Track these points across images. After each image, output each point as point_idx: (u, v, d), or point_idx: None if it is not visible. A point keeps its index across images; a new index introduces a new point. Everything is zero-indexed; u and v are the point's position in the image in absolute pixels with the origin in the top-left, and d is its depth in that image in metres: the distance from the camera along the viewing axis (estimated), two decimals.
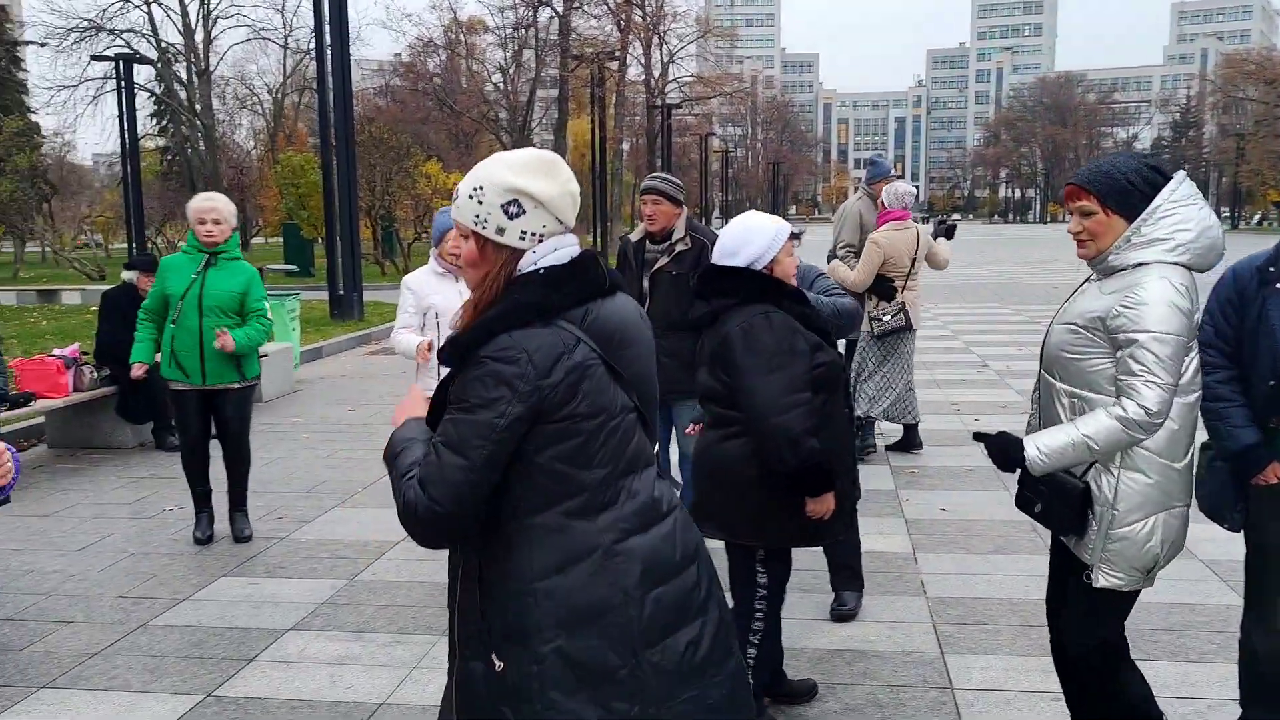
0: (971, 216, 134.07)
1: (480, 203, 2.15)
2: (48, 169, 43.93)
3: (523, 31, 43.35)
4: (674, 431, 6.04)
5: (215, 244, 5.84)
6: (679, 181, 6.01)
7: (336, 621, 5.00)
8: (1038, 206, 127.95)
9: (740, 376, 3.44)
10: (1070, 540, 3.04)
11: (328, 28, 16.43)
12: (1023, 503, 3.08)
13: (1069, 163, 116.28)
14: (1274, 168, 70.35)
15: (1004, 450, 3.02)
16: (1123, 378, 2.85)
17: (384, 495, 7.19)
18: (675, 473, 6.30)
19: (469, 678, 2.18)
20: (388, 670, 4.45)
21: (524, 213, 2.14)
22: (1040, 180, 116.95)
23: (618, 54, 39.22)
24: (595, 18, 40.43)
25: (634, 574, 2.14)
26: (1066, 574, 3.14)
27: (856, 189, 8.40)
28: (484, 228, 2.16)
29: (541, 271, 2.14)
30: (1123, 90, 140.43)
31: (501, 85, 46.88)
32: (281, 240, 35.59)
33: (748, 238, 3.56)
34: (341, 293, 16.74)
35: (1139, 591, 3.05)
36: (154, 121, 49.38)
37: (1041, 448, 2.91)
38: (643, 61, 48.35)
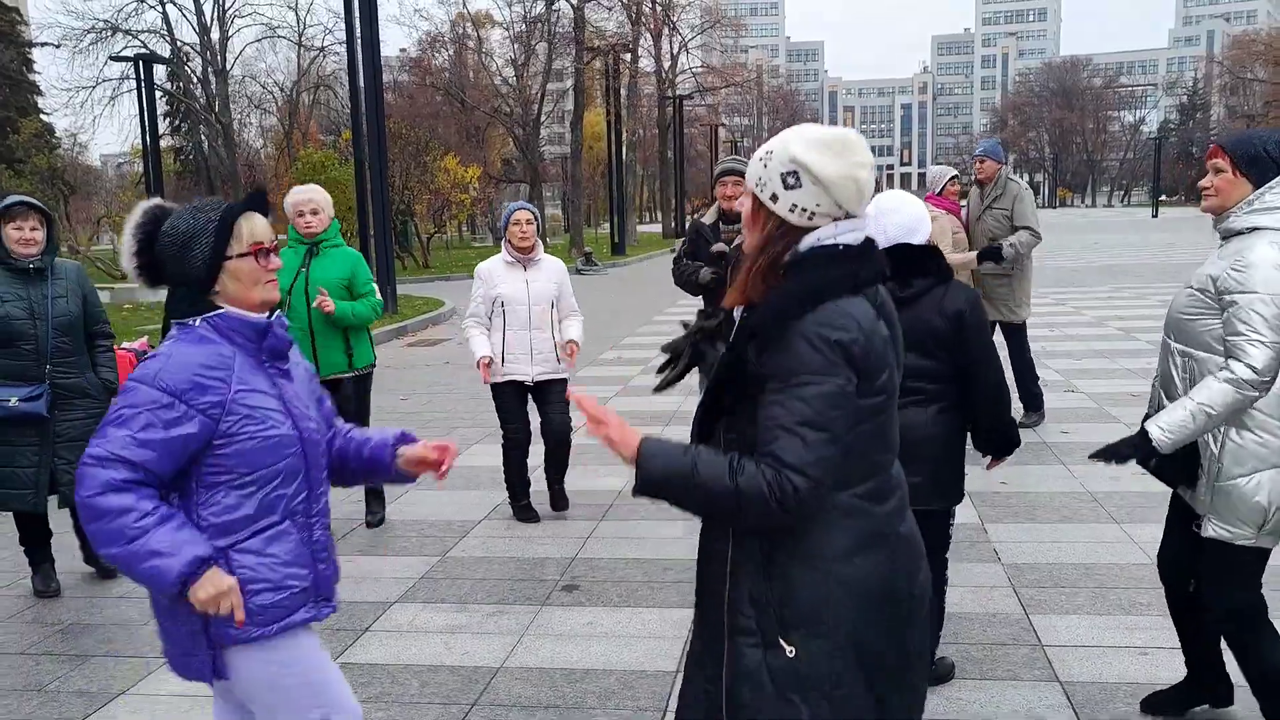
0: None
1: (765, 166, 2.13)
2: (64, 169, 44.26)
3: (535, 24, 43.52)
4: None
5: (315, 234, 5.97)
6: None
7: (439, 594, 5.23)
8: (1046, 190, 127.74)
9: (978, 350, 3.75)
10: (1186, 493, 3.24)
11: (358, 21, 16.63)
12: (1141, 459, 3.21)
13: (1076, 147, 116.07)
14: None
15: (1130, 451, 3.16)
16: (1230, 338, 3.03)
17: (455, 478, 7.42)
18: None
19: (747, 666, 2.13)
20: (498, 638, 4.67)
21: (799, 186, 2.09)
22: (1049, 164, 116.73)
23: (630, 46, 39.34)
24: (608, 9, 40.54)
25: (910, 561, 2.18)
26: (1184, 529, 3.35)
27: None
28: (760, 191, 2.15)
29: (841, 248, 2.11)
30: (1129, 74, 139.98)
31: (512, 79, 47.05)
32: None
33: (920, 215, 3.76)
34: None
35: (1268, 552, 3.21)
36: (167, 122, 49.71)
37: (1164, 426, 3.08)
38: (653, 53, 48.44)
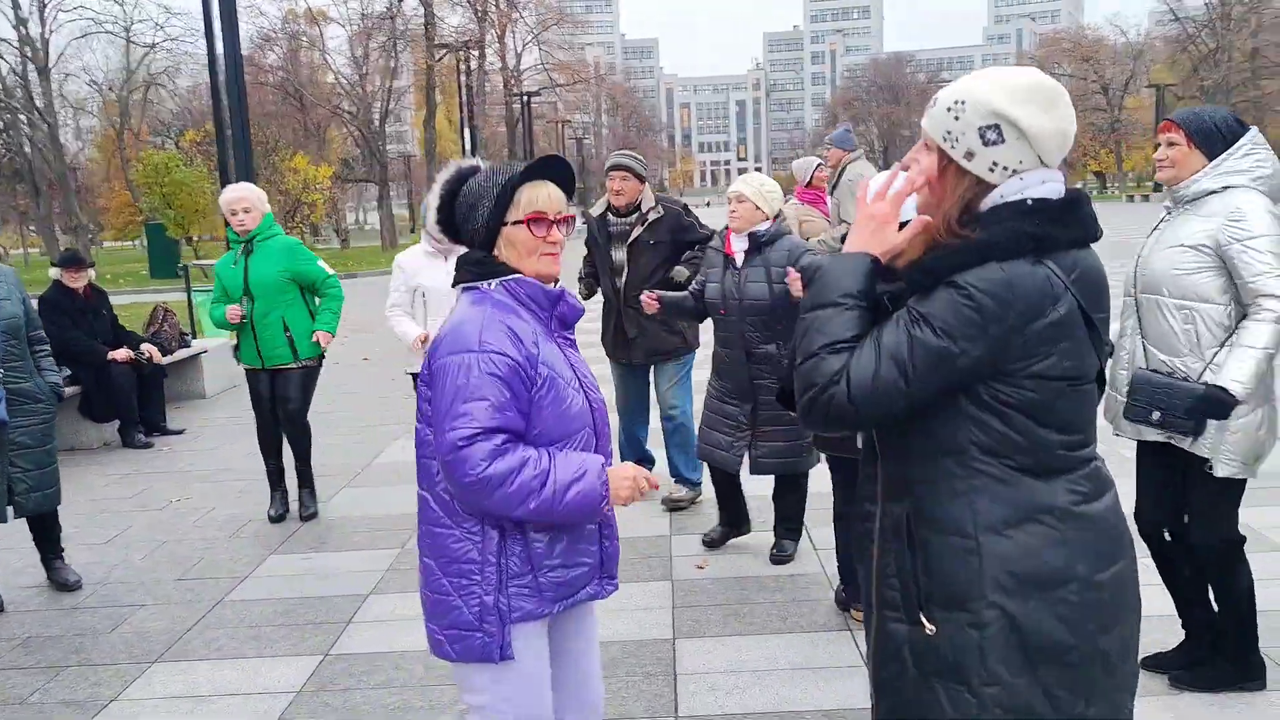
0: None
1: (957, 119, 1.89)
2: None
3: (373, 21, 42.76)
4: (652, 393, 6.43)
5: (248, 231, 6.06)
6: (642, 158, 6.40)
7: (411, 584, 5.23)
8: None
9: None
10: (1186, 441, 3.53)
11: (217, 18, 16.07)
12: (1136, 414, 3.47)
13: (904, 140, 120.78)
14: (1094, 140, 74.86)
15: (1217, 410, 3.32)
16: (1252, 281, 3.34)
17: (387, 474, 7.40)
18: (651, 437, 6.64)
19: (889, 640, 1.99)
20: None
21: (1002, 141, 1.87)
22: (880, 158, 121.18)
23: (477, 43, 39.10)
24: (455, 4, 40.16)
25: (1093, 544, 1.91)
26: (1162, 487, 3.70)
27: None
28: (953, 147, 1.90)
29: (1029, 203, 1.88)
30: (949, 70, 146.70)
31: (352, 77, 46.12)
32: (141, 241, 34.27)
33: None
34: None
35: (1246, 482, 3.60)
36: None
37: (1239, 379, 3.30)
38: (498, 51, 48.21)
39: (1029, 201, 1.88)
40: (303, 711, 3.99)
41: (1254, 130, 3.51)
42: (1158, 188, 60.40)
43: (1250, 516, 5.46)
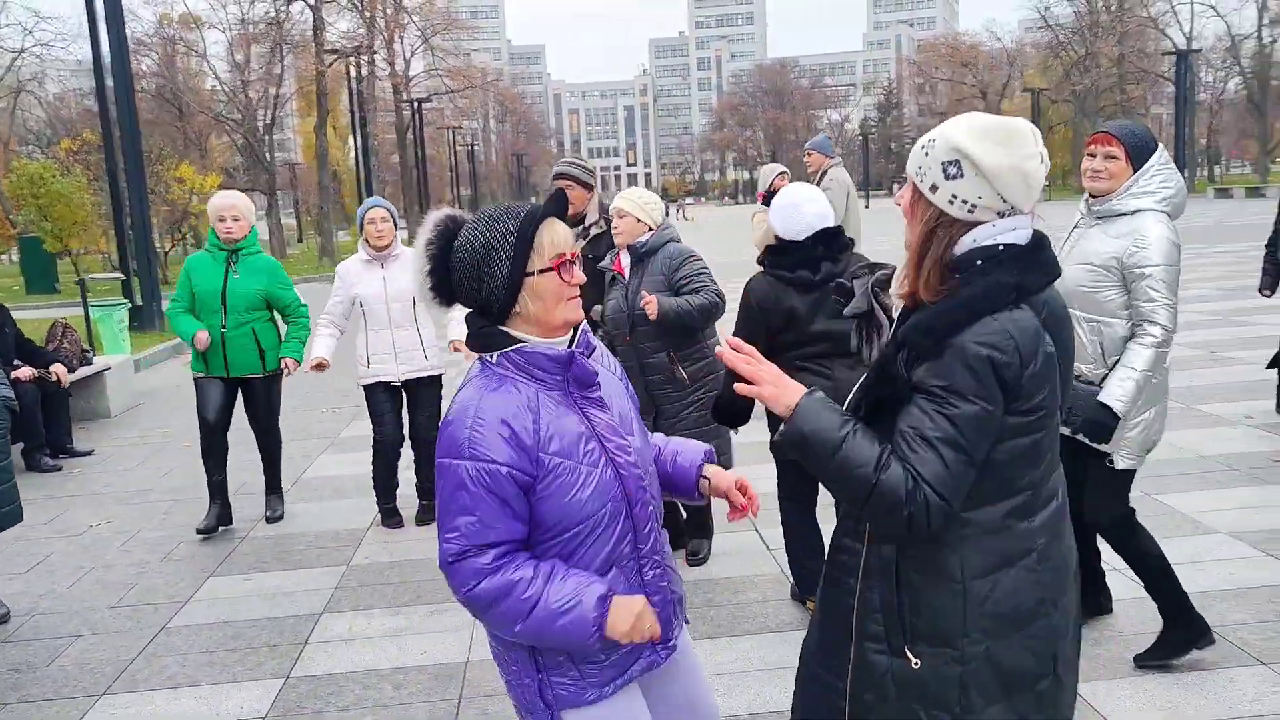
0: (704, 199, 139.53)
1: (927, 154, 2.03)
2: None
3: (259, 27, 41.67)
4: None
5: (235, 240, 6.06)
6: (589, 166, 6.33)
7: (364, 602, 5.13)
8: (762, 186, 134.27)
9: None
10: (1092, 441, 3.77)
11: (102, 23, 15.50)
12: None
13: (789, 144, 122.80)
14: None
15: (1105, 427, 3.64)
16: (1142, 305, 3.63)
17: (319, 489, 7.22)
18: None
19: (871, 669, 2.08)
20: (449, 634, 4.66)
21: (960, 176, 1.98)
22: (767, 162, 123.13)
23: (366, 49, 38.42)
24: (345, 10, 39.32)
25: (1061, 579, 2.07)
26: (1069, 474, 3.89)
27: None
28: (920, 179, 2.04)
29: (1001, 248, 1.99)
30: (832, 74, 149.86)
31: (233, 83, 44.81)
32: (10, 256, 32.72)
33: (825, 199, 4.18)
34: (140, 304, 15.88)
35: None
36: None
37: (1121, 398, 3.61)
38: (387, 57, 47.45)
39: (1000, 247, 1.99)
40: None
41: (1161, 148, 3.74)
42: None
43: (1179, 502, 5.72)
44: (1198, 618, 3.94)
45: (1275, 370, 7.45)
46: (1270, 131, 65.10)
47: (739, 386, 2.10)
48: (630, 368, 4.92)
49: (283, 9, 36.50)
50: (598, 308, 5.44)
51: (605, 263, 5.13)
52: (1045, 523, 2.04)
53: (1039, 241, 2.05)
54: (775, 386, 2.06)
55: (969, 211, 1.99)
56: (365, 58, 37.46)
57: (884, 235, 16.21)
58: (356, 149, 34.66)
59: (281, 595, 5.27)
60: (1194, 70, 52.12)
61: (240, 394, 6.30)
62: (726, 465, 5.07)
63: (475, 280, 2.13)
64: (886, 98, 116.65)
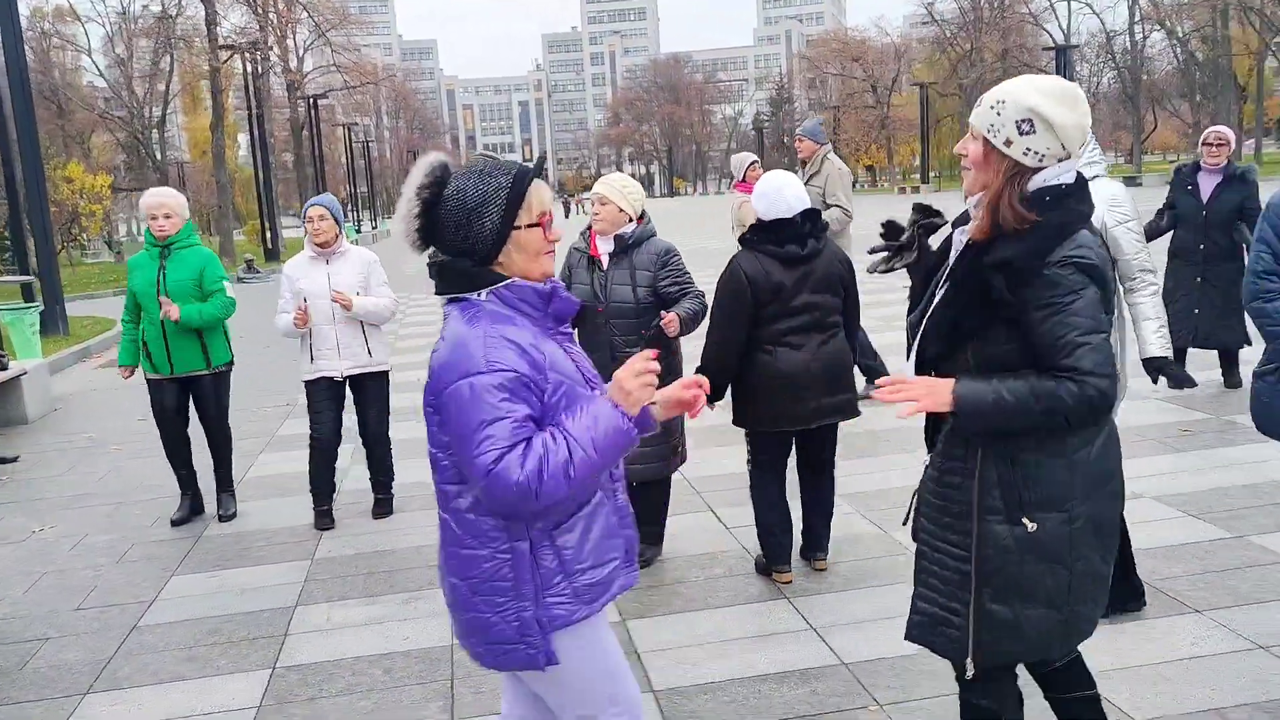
0: None
1: (999, 114, 2.39)
2: None
3: (147, 21, 40.51)
4: None
5: (167, 236, 6.11)
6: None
7: (337, 593, 5.19)
8: (660, 180, 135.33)
9: (855, 288, 4.86)
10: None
11: None
12: None
13: (685, 138, 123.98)
14: (866, 136, 79.07)
15: (1162, 370, 4.10)
16: (1133, 258, 4.09)
17: (265, 488, 7.20)
18: None
19: (992, 537, 2.49)
20: (429, 620, 4.76)
21: (1034, 132, 2.36)
22: (663, 156, 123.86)
23: (262, 45, 37.56)
24: (236, 3, 38.36)
25: (1119, 441, 2.62)
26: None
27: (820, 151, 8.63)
28: (994, 136, 2.39)
29: (1063, 187, 2.42)
30: (725, 69, 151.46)
31: (116, 79, 43.49)
32: None
33: (801, 184, 4.52)
34: (43, 308, 15.36)
35: None
36: None
37: (1164, 345, 4.08)
38: (280, 54, 46.41)
39: (1062, 186, 2.43)
40: None
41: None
42: (925, 180, 64.48)
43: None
44: (1137, 580, 4.28)
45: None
46: (1142, 123, 68.12)
47: (903, 412, 2.48)
48: (599, 357, 4.98)
49: (173, 4, 35.48)
50: None
51: (580, 243, 5.06)
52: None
53: (1082, 180, 2.48)
54: (930, 394, 2.45)
55: (1039, 160, 2.41)
56: (260, 54, 36.56)
57: None
58: (255, 146, 33.87)
59: (251, 590, 5.29)
60: (1072, 65, 54.16)
61: (189, 394, 6.34)
62: (675, 469, 5.22)
63: (464, 228, 2.29)
64: (778, 92, 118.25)
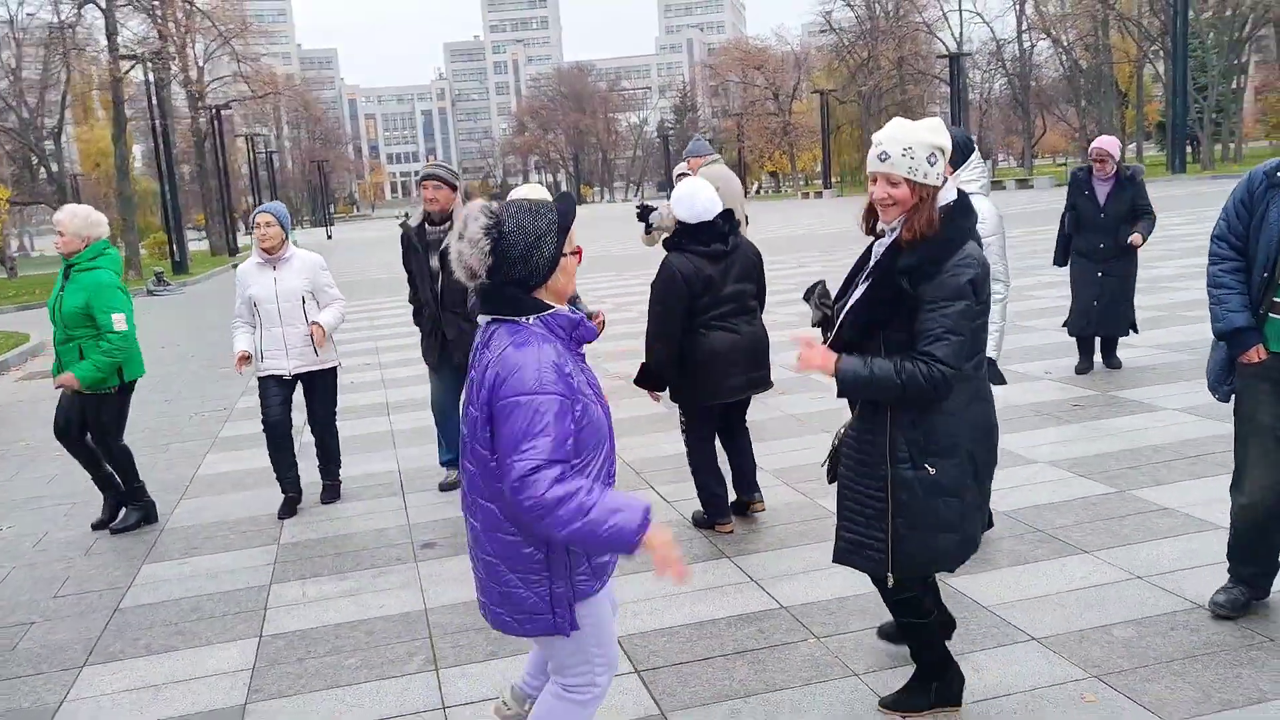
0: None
1: (912, 158, 3.10)
2: None
3: (25, 33, 39.48)
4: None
5: (67, 254, 6.23)
6: (454, 169, 6.86)
7: (309, 571, 5.53)
8: (566, 188, 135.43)
9: (763, 275, 5.52)
10: None
11: None
12: None
13: (591, 146, 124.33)
14: (769, 143, 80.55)
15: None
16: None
17: (218, 484, 7.46)
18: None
19: (904, 481, 3.24)
20: (402, 590, 5.14)
21: (939, 160, 3.13)
22: (569, 164, 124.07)
23: (164, 54, 36.93)
24: (136, 11, 37.52)
25: (993, 405, 3.43)
26: None
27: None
28: (915, 175, 3.10)
29: (953, 203, 3.20)
30: (628, 77, 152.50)
31: (5, 89, 42.20)
32: None
33: (713, 190, 5.03)
34: None
35: None
36: None
37: (994, 349, 4.71)
38: (180, 64, 45.56)
39: (952, 203, 3.20)
40: (269, 681, 4.28)
41: (975, 148, 4.73)
42: (828, 185, 66.06)
43: (1003, 441, 6.77)
44: (987, 508, 4.98)
45: (1067, 331, 8.71)
46: (1033, 128, 70.81)
47: (801, 364, 3.20)
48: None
49: (72, 13, 34.71)
50: None
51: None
52: (983, 372, 3.35)
53: (963, 197, 3.25)
54: (823, 361, 3.20)
55: (942, 182, 3.18)
56: (162, 63, 35.97)
57: None
58: (159, 158, 33.35)
59: (224, 573, 5.61)
60: (964, 71, 56.15)
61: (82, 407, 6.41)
62: None
63: (525, 259, 2.69)
64: (682, 100, 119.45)
